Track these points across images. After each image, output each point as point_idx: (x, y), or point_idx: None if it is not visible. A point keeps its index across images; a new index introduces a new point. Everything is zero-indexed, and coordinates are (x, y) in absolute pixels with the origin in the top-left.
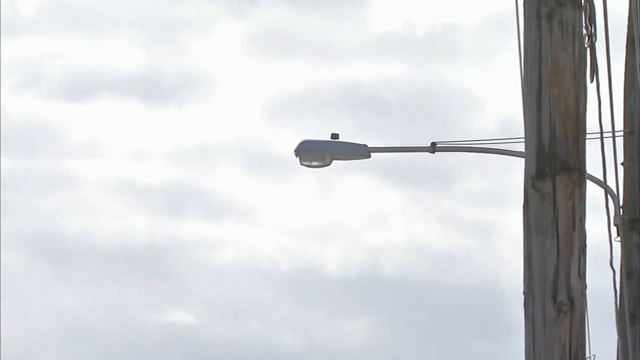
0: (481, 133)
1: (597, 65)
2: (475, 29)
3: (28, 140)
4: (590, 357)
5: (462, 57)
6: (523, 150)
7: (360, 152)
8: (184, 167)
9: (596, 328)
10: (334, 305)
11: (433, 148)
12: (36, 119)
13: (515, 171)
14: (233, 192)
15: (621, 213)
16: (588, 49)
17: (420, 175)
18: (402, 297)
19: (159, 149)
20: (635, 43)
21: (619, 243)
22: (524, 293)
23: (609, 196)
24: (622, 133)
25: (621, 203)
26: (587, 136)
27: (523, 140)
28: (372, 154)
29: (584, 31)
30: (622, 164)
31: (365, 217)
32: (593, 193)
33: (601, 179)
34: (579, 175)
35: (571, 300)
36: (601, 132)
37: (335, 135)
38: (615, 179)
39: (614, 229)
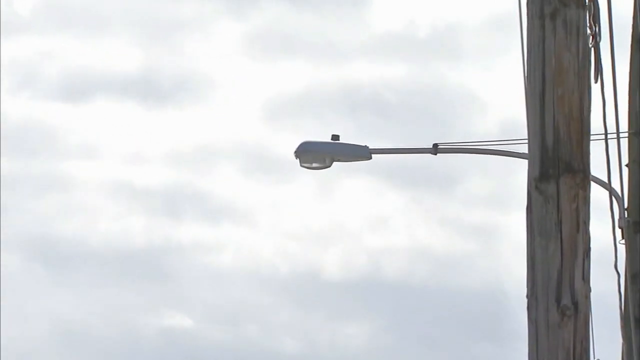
0: (484, 134)
1: (601, 66)
2: (478, 28)
3: (24, 142)
4: None
5: (465, 57)
6: (526, 151)
7: (361, 153)
8: (182, 169)
9: (600, 332)
10: (334, 309)
11: (435, 149)
12: (32, 120)
13: (518, 173)
14: (232, 194)
15: (626, 215)
16: (592, 49)
17: (422, 177)
18: (403, 301)
19: (157, 151)
20: None
21: (624, 246)
22: (527, 297)
23: (613, 198)
24: (626, 134)
25: (626, 205)
26: (592, 137)
27: (526, 141)
28: (373, 155)
29: (588, 31)
30: (627, 165)
31: (366, 220)
32: (597, 195)
33: (605, 181)
34: (583, 177)
35: (575, 304)
36: (605, 133)
37: (335, 137)
38: (620, 181)
39: (618, 232)
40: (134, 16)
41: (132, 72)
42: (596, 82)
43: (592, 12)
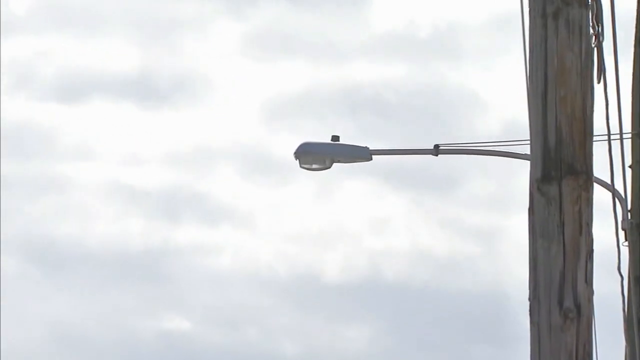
0: (485, 135)
1: (604, 66)
2: (479, 28)
3: (20, 143)
4: None
5: (466, 57)
6: (528, 152)
7: (361, 154)
8: (179, 171)
9: (603, 335)
10: (334, 312)
11: (436, 150)
12: (28, 121)
13: (520, 174)
14: (230, 196)
15: (629, 217)
16: (595, 48)
17: (422, 179)
18: (403, 303)
19: (154, 152)
20: None
21: (627, 248)
22: (529, 299)
23: (616, 200)
24: (630, 135)
25: (629, 207)
26: (594, 138)
27: (528, 142)
28: (373, 156)
29: (591, 30)
30: (630, 166)
31: (366, 222)
32: (600, 197)
33: (609, 182)
34: (586, 178)
35: (578, 306)
36: (609, 134)
37: (335, 138)
38: (623, 183)
39: (621, 234)
40: (131, 15)
41: (130, 73)
42: (599, 82)
43: (595, 12)
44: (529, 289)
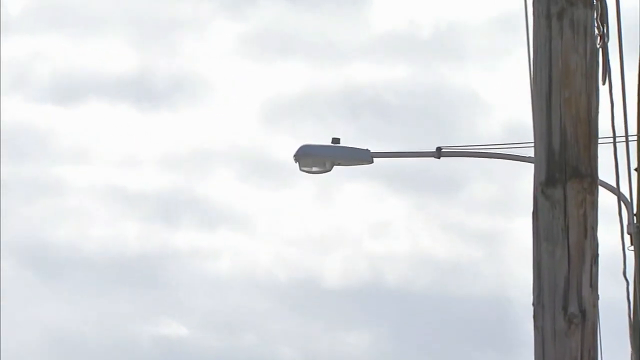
0: (488, 137)
1: (609, 67)
2: (482, 28)
3: (14, 145)
4: None
5: (468, 58)
6: (532, 155)
7: (362, 157)
8: (177, 174)
9: (608, 341)
10: (334, 317)
11: (438, 153)
12: (23, 123)
13: (524, 177)
14: (229, 200)
15: (635, 221)
16: (600, 49)
17: (424, 182)
18: (405, 309)
19: (151, 155)
20: None
21: (633, 252)
22: (533, 304)
23: (622, 203)
24: (635, 137)
25: (635, 210)
26: (600, 141)
27: (532, 145)
28: (374, 159)
29: (596, 31)
30: (635, 169)
31: (367, 226)
32: (605, 200)
33: (614, 185)
34: (591, 181)
35: (582, 311)
36: (614, 137)
37: (336, 140)
38: (629, 186)
39: (627, 238)
40: (128, 16)
41: (126, 73)
42: (604, 83)
43: (600, 12)
44: (533, 293)
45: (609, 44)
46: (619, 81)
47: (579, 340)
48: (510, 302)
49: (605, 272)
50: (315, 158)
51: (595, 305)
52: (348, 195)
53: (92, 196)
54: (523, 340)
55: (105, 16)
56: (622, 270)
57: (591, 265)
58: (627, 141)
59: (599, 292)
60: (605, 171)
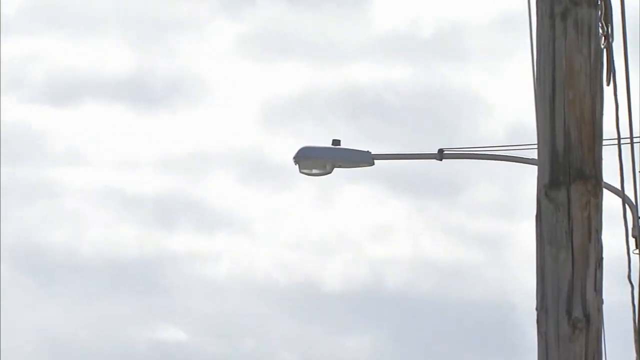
0: (491, 139)
1: (614, 68)
2: (485, 29)
3: (9, 147)
4: None
5: (471, 59)
6: (535, 157)
7: (363, 159)
8: (175, 176)
9: (613, 345)
10: (334, 321)
11: (440, 155)
12: (18, 125)
13: (527, 180)
14: (227, 203)
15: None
16: (604, 50)
17: (426, 184)
18: (406, 313)
19: (149, 157)
20: None
21: (638, 255)
22: (536, 309)
23: (626, 206)
24: None
25: None
26: (604, 142)
27: (535, 147)
28: (375, 161)
29: (600, 31)
30: None
31: (368, 229)
32: (610, 203)
33: (619, 187)
34: (595, 183)
35: (587, 316)
36: (618, 138)
37: (336, 142)
38: (634, 188)
39: (632, 241)
40: (124, 16)
41: (123, 74)
42: (608, 84)
43: (604, 12)
44: (537, 298)
45: (614, 44)
46: (624, 82)
47: (583, 345)
48: (513, 306)
49: (610, 276)
50: (316, 160)
51: (599, 310)
52: (348, 197)
53: (88, 199)
54: (526, 346)
55: (102, 16)
56: (626, 274)
57: (595, 269)
58: (632, 143)
59: (604, 296)
60: (609, 173)
